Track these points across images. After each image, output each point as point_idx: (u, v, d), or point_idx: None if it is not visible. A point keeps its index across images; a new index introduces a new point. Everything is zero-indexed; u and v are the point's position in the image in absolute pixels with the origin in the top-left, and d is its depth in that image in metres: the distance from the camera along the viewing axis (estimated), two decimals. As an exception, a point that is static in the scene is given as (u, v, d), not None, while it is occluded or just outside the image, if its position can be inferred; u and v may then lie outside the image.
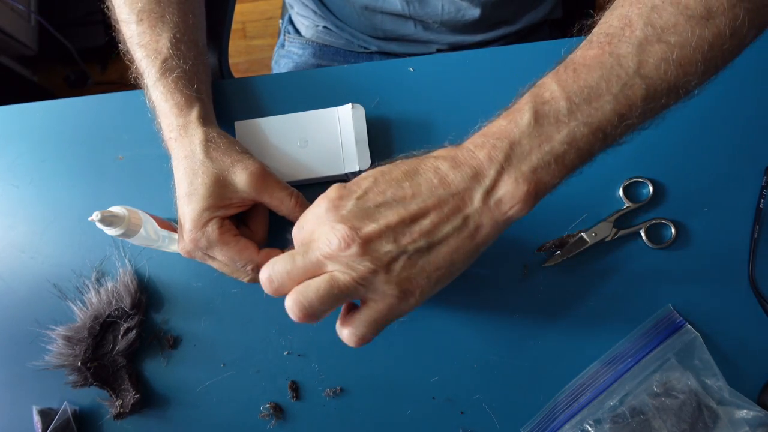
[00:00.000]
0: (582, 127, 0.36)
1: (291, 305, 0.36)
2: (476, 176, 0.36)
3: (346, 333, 0.38)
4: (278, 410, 0.55)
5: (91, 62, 1.69)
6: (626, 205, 0.55)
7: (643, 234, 0.55)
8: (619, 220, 0.55)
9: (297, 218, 0.51)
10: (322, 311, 0.36)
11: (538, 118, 0.36)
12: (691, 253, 0.55)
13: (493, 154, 0.36)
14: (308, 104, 0.59)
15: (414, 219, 0.35)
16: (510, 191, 0.35)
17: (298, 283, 0.36)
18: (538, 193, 0.36)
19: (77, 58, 1.59)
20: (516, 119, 0.36)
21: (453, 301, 0.56)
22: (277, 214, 0.53)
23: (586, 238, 0.55)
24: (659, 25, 0.37)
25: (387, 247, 0.35)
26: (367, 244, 0.34)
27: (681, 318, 0.54)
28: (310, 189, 0.57)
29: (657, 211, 0.56)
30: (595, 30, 0.39)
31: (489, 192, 0.36)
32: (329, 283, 0.35)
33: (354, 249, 0.34)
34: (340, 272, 0.35)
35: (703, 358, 0.53)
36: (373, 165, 0.56)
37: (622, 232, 0.55)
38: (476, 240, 0.37)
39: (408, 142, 0.58)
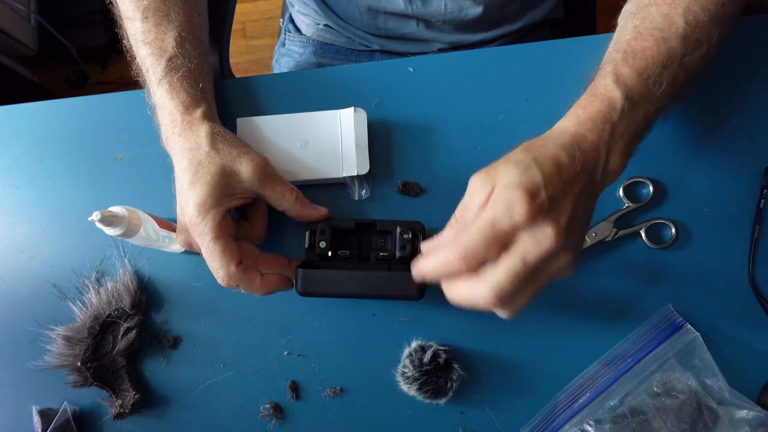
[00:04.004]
0: (652, 109, 0.45)
1: (523, 306, 0.42)
2: (596, 156, 0.43)
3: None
4: (278, 410, 0.55)
5: (91, 62, 1.68)
6: (626, 205, 0.55)
7: (643, 234, 0.55)
8: (619, 220, 0.55)
9: (297, 213, 0.51)
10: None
11: (628, 103, 0.44)
12: (691, 253, 0.55)
13: (603, 137, 0.43)
14: (308, 104, 0.59)
15: (577, 203, 0.41)
16: (616, 165, 0.44)
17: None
18: (627, 163, 0.45)
19: (77, 58, 1.59)
20: (613, 105, 0.44)
21: (453, 301, 0.56)
22: (275, 213, 0.53)
23: (586, 238, 0.55)
24: (693, 24, 0.46)
25: (573, 232, 0.41)
26: (566, 234, 0.39)
27: (681, 318, 0.54)
28: (307, 190, 0.57)
29: (657, 211, 0.56)
30: (638, 23, 0.48)
31: (604, 167, 0.43)
32: (541, 284, 0.41)
33: (559, 246, 0.39)
34: (548, 268, 0.40)
35: (703, 358, 0.53)
36: (371, 170, 0.56)
37: (622, 232, 0.55)
38: (594, 205, 0.44)
39: (407, 141, 0.58)
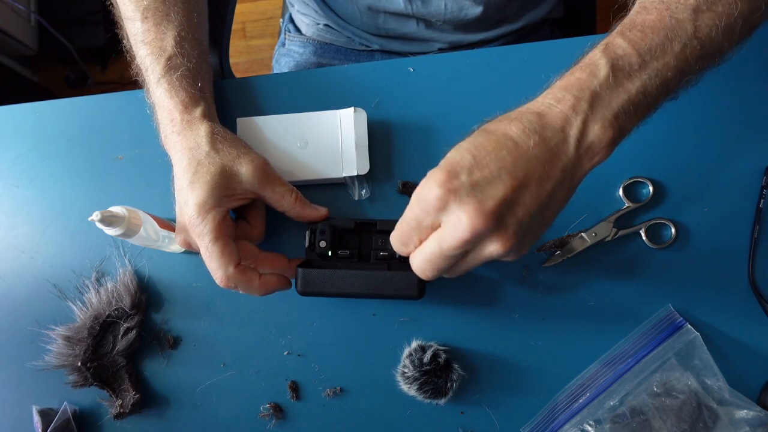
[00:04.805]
0: (653, 80, 0.40)
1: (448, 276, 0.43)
2: (565, 128, 0.38)
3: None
4: (278, 410, 0.56)
5: (91, 62, 1.69)
6: (626, 205, 0.55)
7: (643, 234, 0.55)
8: (619, 220, 0.55)
9: (297, 214, 0.51)
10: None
11: (614, 70, 0.39)
12: (691, 253, 0.55)
13: (577, 105, 0.38)
14: (308, 104, 0.59)
15: (522, 185, 0.37)
16: (598, 137, 0.38)
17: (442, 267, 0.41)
18: (618, 138, 0.40)
19: (77, 58, 1.59)
20: (594, 72, 0.39)
21: (453, 301, 0.56)
22: (275, 212, 0.53)
23: (586, 238, 0.55)
24: None
25: (507, 222, 0.37)
26: (490, 222, 0.37)
27: (681, 318, 0.54)
28: (307, 190, 0.57)
29: (657, 211, 0.56)
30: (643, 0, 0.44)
31: (579, 140, 0.38)
32: (471, 266, 0.41)
33: (482, 230, 0.37)
34: (475, 253, 0.39)
35: (703, 358, 0.53)
36: (371, 170, 0.56)
37: (622, 232, 0.55)
38: (572, 188, 0.40)
39: (407, 141, 0.58)
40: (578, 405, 0.53)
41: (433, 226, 0.39)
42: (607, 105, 0.39)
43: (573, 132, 0.38)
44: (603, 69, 0.39)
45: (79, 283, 0.58)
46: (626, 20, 0.44)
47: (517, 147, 0.37)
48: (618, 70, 0.40)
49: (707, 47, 0.42)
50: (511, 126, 0.38)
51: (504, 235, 0.37)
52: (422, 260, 0.40)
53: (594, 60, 0.40)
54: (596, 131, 0.38)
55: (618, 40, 0.41)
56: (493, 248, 0.38)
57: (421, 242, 0.41)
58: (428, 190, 0.37)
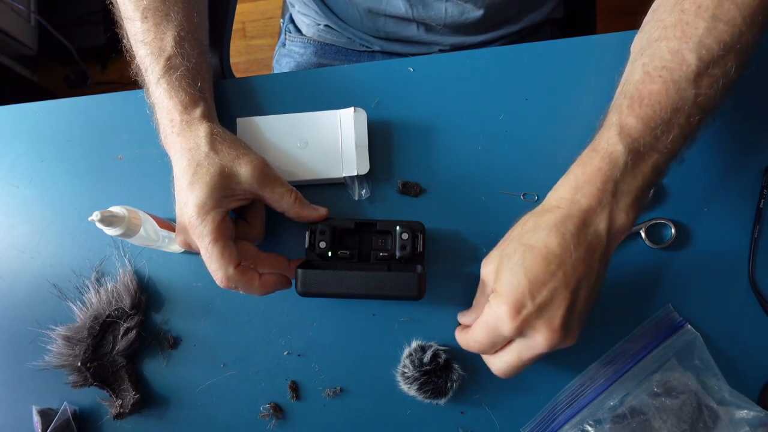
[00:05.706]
0: (663, 157, 0.43)
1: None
2: (595, 222, 0.42)
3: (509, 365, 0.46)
4: (278, 410, 0.55)
5: (91, 62, 1.69)
6: (626, 205, 0.55)
7: (643, 234, 0.55)
8: (619, 220, 0.55)
9: (296, 214, 0.52)
10: None
11: (632, 156, 0.42)
12: (691, 253, 0.55)
13: (603, 198, 0.42)
14: (308, 104, 0.59)
15: (575, 289, 0.41)
16: (623, 221, 0.42)
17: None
18: (638, 214, 0.43)
19: (77, 58, 1.59)
20: (614, 161, 0.42)
21: (453, 301, 0.56)
22: (275, 213, 0.53)
23: (586, 238, 0.55)
24: (707, 60, 0.43)
25: (571, 325, 0.42)
26: (561, 335, 0.42)
27: (681, 318, 0.54)
28: (307, 190, 0.57)
29: (657, 211, 0.56)
30: (647, 61, 0.44)
31: (609, 229, 0.42)
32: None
33: (557, 343, 0.42)
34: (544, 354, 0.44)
35: (703, 358, 0.53)
36: (371, 170, 0.56)
37: (622, 232, 0.55)
38: (608, 265, 0.44)
39: (407, 141, 0.58)
40: (578, 405, 0.53)
41: (507, 342, 0.44)
42: (627, 191, 0.42)
43: (603, 224, 0.42)
44: (622, 157, 0.42)
45: (79, 283, 0.58)
46: (632, 89, 0.44)
47: (563, 259, 0.41)
48: (634, 154, 0.42)
49: (708, 110, 0.44)
50: (550, 238, 0.41)
51: (571, 335, 0.42)
52: (503, 368, 0.45)
53: (612, 147, 0.42)
54: (622, 218, 0.42)
55: (631, 120, 0.43)
56: (563, 346, 0.43)
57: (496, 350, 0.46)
58: (501, 323, 0.42)
